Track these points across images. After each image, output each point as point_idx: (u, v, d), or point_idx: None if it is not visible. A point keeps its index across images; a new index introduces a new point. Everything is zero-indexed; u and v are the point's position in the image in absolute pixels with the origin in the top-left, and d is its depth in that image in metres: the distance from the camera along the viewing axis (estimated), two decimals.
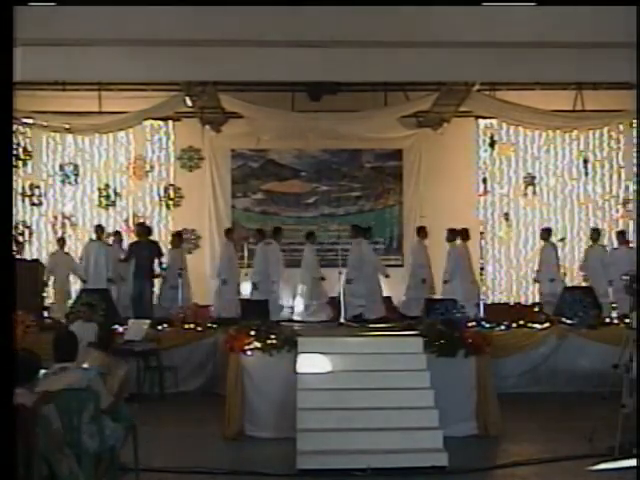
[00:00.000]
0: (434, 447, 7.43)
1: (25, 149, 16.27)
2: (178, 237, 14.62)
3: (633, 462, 7.05)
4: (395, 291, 15.16)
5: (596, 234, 14.77)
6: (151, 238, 13.99)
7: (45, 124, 15.66)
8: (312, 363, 8.42)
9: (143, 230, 14.01)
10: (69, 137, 16.28)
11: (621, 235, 14.71)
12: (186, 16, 9.54)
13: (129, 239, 14.85)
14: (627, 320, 8.70)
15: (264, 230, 14.93)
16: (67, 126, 15.57)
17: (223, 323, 11.85)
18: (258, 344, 8.74)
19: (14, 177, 15.42)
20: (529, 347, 11.44)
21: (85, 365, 6.39)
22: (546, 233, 14.70)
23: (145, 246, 13.48)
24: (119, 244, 14.58)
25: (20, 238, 15.62)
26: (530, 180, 16.90)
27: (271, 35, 9.80)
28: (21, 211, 16.16)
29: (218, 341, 11.09)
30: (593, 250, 14.62)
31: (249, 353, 8.74)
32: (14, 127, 14.91)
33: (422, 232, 14.88)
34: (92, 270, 14.11)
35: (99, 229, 14.66)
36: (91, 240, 14.79)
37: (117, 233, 15.00)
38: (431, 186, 16.34)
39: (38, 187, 16.41)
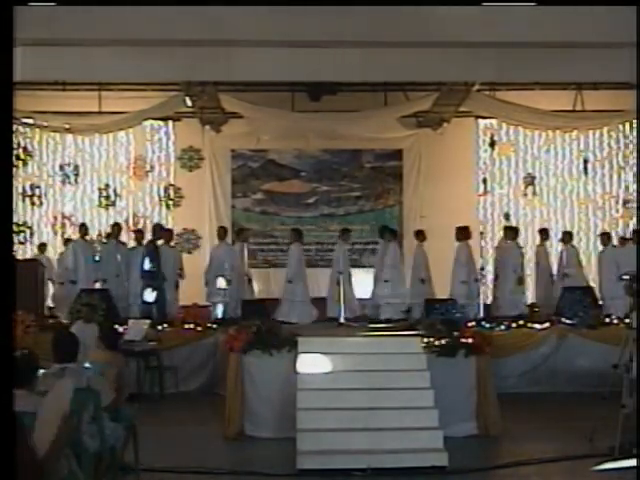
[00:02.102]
0: (434, 447, 7.42)
1: (25, 149, 16.29)
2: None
3: (633, 462, 7.04)
4: None
5: (606, 237, 14.66)
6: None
7: (45, 124, 15.68)
8: (312, 363, 8.41)
9: (159, 232, 13.93)
10: (69, 137, 16.30)
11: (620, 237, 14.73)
12: (186, 16, 9.54)
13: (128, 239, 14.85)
14: (627, 320, 8.69)
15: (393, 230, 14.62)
16: (67, 126, 15.59)
17: (223, 323, 11.85)
18: (258, 344, 8.75)
19: (14, 177, 15.42)
20: (529, 347, 11.44)
21: (87, 364, 6.40)
22: (568, 236, 14.52)
23: (154, 248, 13.44)
24: (115, 243, 14.39)
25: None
26: (530, 180, 16.90)
27: (272, 35, 9.80)
28: (21, 211, 16.17)
29: (218, 341, 11.09)
30: (606, 253, 14.39)
31: (249, 353, 8.75)
32: (14, 127, 14.91)
33: (509, 232, 14.10)
34: (82, 270, 14.01)
35: (83, 228, 14.47)
36: (74, 239, 14.59)
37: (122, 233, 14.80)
38: (431, 186, 16.34)
39: (38, 187, 16.42)
